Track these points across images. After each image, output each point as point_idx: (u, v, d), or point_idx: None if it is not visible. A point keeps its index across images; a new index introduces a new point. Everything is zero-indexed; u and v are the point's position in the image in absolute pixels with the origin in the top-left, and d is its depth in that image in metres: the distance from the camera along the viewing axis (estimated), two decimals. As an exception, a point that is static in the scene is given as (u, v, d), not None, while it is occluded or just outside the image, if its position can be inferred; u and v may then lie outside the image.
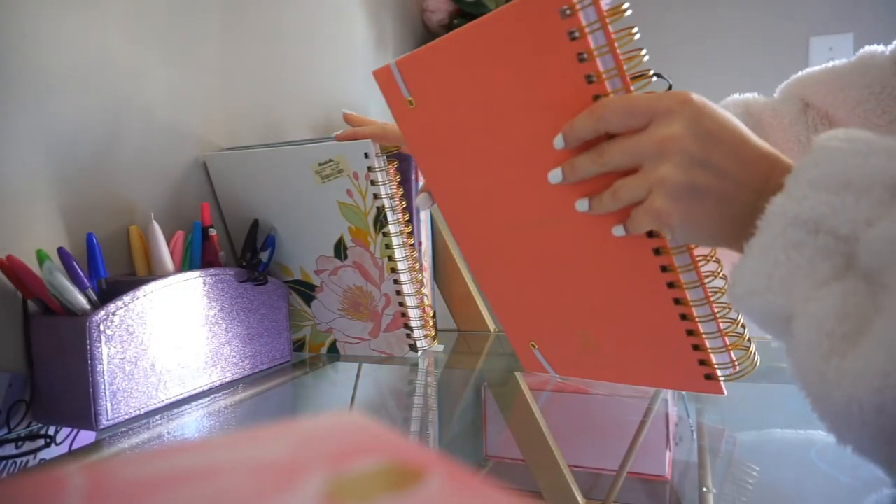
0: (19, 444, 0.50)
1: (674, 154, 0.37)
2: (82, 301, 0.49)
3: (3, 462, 0.48)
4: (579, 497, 0.40)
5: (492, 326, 0.93)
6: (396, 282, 0.68)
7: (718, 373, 0.44)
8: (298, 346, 0.76)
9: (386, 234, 0.67)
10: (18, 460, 0.49)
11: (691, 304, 0.42)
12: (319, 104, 0.95)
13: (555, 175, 0.42)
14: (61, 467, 0.17)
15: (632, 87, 0.39)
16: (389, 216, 0.67)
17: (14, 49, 0.52)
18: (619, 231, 0.41)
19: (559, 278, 0.49)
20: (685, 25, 1.39)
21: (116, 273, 0.60)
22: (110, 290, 0.52)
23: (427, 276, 0.82)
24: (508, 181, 0.47)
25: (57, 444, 0.51)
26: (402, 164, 0.78)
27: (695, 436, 0.53)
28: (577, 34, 0.37)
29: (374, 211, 0.67)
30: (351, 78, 1.04)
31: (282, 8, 0.86)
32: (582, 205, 0.42)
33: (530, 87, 0.41)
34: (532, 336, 0.56)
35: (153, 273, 0.59)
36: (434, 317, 0.85)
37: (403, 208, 0.69)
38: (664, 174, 0.37)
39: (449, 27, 1.26)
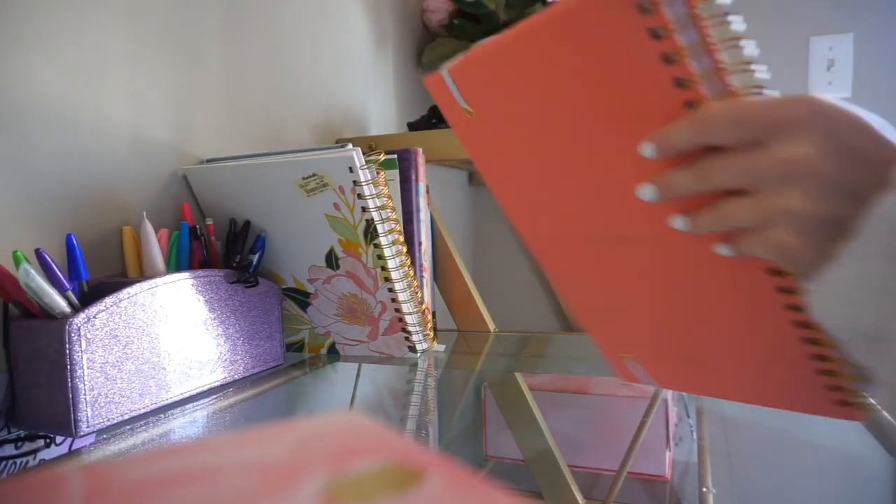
0: (19, 444, 0.49)
1: (805, 179, 0.30)
2: (62, 304, 0.48)
3: (3, 462, 0.48)
4: (579, 497, 0.40)
5: (492, 326, 0.93)
6: (391, 290, 0.67)
7: (852, 398, 0.39)
8: (297, 347, 0.76)
9: (377, 246, 0.65)
10: (18, 460, 0.49)
11: (816, 327, 0.36)
12: (319, 104, 0.95)
13: (647, 191, 0.36)
14: (61, 467, 0.17)
15: (736, 87, 0.33)
16: (379, 228, 0.65)
17: None
18: (723, 251, 0.36)
19: (653, 293, 0.44)
20: (685, 25, 1.39)
21: (108, 275, 0.60)
22: (95, 293, 0.51)
23: (427, 276, 0.82)
24: (587, 193, 0.42)
25: (57, 445, 0.51)
26: (403, 163, 0.78)
27: (695, 436, 0.53)
28: (661, 32, 0.32)
29: (363, 224, 0.65)
30: (351, 78, 1.04)
31: (281, 8, 0.86)
32: (681, 223, 0.36)
33: (607, 92, 0.36)
34: (628, 348, 0.51)
35: (144, 274, 0.58)
36: (434, 317, 0.85)
37: (395, 219, 0.67)
38: (793, 204, 0.31)
39: (449, 27, 1.26)
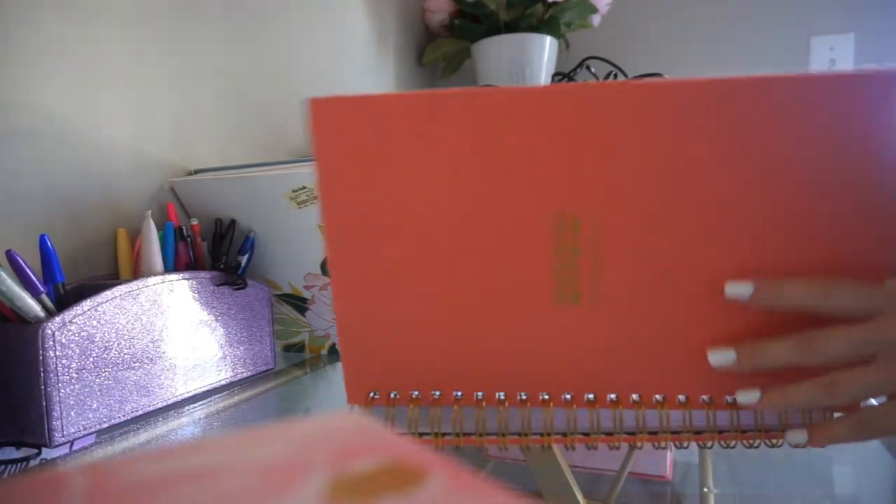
0: (19, 446, 0.49)
1: None
2: (35, 308, 0.46)
3: (4, 464, 0.48)
4: (579, 497, 0.39)
5: (492, 327, 0.93)
6: None
7: None
8: (298, 348, 0.76)
9: None
10: (19, 462, 0.49)
11: None
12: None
13: (721, 357, 0.32)
14: (61, 467, 0.17)
15: None
16: None
17: None
18: (798, 438, 0.33)
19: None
20: (684, 25, 1.39)
21: (97, 276, 0.59)
22: (76, 295, 0.50)
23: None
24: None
25: (57, 446, 0.51)
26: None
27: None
28: None
29: None
30: (351, 78, 1.04)
31: (281, 9, 0.86)
32: (751, 397, 0.33)
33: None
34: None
35: (143, 274, 0.57)
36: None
37: None
38: None
39: (450, 27, 1.26)
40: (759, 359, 0.32)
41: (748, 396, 0.33)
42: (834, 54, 1.29)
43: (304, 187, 0.62)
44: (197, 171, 0.70)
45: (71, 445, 0.51)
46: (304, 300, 0.72)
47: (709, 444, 0.35)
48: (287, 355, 0.76)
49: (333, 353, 0.75)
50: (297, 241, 0.67)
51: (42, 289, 0.47)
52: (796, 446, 0.33)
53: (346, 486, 0.16)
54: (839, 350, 0.30)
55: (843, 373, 0.31)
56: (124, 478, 0.16)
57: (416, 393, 0.37)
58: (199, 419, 0.55)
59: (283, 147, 0.86)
